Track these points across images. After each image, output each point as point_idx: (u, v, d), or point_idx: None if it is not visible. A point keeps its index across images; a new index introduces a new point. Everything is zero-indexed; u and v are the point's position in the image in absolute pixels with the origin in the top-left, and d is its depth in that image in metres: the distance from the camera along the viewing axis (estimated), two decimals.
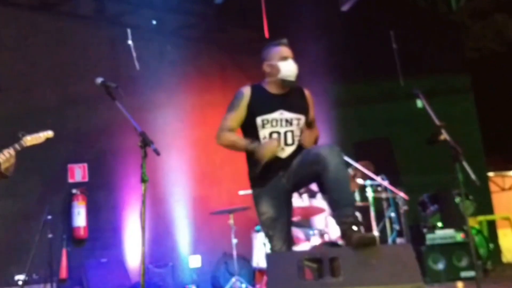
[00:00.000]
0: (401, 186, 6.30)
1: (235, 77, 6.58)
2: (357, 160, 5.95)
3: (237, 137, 2.91)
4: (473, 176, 3.03)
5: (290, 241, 2.81)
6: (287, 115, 2.84)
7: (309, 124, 2.98)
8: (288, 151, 2.80)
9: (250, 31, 6.83)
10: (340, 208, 2.41)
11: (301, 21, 7.19)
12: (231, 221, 4.98)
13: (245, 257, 5.54)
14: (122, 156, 5.93)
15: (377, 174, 5.41)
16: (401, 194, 5.26)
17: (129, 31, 6.26)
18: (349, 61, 7.47)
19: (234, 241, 4.95)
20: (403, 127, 7.50)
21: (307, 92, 3.03)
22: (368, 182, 5.17)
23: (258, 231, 4.98)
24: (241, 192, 4.90)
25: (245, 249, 5.44)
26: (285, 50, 2.94)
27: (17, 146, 3.59)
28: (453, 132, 7.88)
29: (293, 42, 7.80)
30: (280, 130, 2.80)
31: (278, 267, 2.10)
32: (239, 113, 2.88)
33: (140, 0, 6.56)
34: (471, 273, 5.37)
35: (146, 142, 2.70)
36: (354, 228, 2.30)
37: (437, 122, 3.19)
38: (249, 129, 2.88)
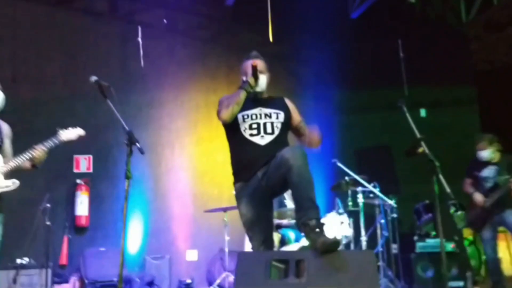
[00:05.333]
0: (398, 193, 6.42)
1: (239, 78, 6.72)
2: (358, 166, 6.08)
3: (230, 96, 2.97)
4: (448, 190, 3.15)
5: (268, 242, 2.91)
6: (266, 110, 3.02)
7: (298, 129, 3.13)
8: (267, 139, 2.92)
9: (258, 34, 6.97)
10: (303, 210, 2.49)
11: (309, 27, 7.32)
12: (225, 219, 5.16)
13: None
14: (126, 150, 6.13)
15: (371, 181, 5.53)
16: (390, 202, 5.38)
17: (139, 29, 6.46)
18: (355, 68, 7.58)
19: (227, 238, 5.13)
20: (405, 136, 7.58)
21: (287, 99, 3.20)
22: (360, 188, 5.30)
23: None
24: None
25: (241, 245, 5.61)
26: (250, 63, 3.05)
27: (55, 140, 3.67)
28: (456, 143, 7.99)
29: (300, 48, 7.93)
30: (260, 121, 2.96)
31: (246, 266, 2.26)
32: None
33: None
34: (459, 283, 5.49)
35: (132, 141, 2.86)
36: (317, 230, 2.39)
37: (417, 134, 3.31)
38: (231, 125, 3.01)
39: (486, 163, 5.12)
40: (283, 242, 4.80)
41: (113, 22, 6.55)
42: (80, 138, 4.00)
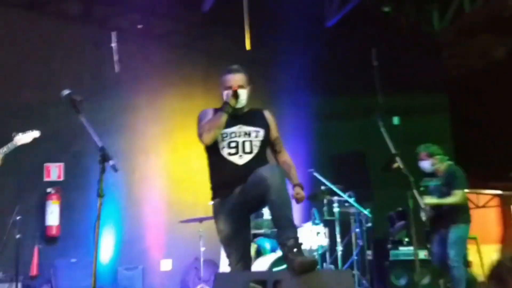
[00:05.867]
0: (372, 200, 6.47)
1: (217, 85, 6.67)
2: (334, 173, 6.08)
3: (211, 117, 2.96)
4: (422, 205, 3.19)
5: (246, 259, 2.90)
6: (246, 128, 2.98)
7: (274, 145, 3.12)
8: (245, 158, 2.90)
9: (235, 40, 6.94)
10: (282, 230, 2.50)
11: (286, 34, 7.34)
12: (200, 229, 5.11)
13: (216, 263, 5.65)
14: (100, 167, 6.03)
15: (347, 189, 5.57)
16: (364, 212, 5.43)
17: (114, 34, 6.35)
18: (331, 76, 7.63)
19: (202, 248, 5.09)
20: (381, 143, 7.67)
21: (267, 113, 3.15)
22: (336, 197, 5.34)
23: None
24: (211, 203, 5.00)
25: (216, 255, 5.56)
26: (230, 79, 3.02)
27: (10, 146, 3.78)
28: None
29: (277, 54, 7.92)
30: (238, 140, 2.94)
31: (224, 287, 2.23)
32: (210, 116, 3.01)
33: (128, 4, 6.67)
34: None
35: (105, 158, 2.76)
36: (295, 250, 2.39)
37: (392, 150, 3.35)
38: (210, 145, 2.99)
39: (434, 175, 4.96)
40: (259, 252, 4.79)
41: (87, 26, 6.43)
42: (35, 140, 4.27)
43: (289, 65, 7.41)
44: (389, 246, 5.74)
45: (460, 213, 4.78)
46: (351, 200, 5.30)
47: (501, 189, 10.89)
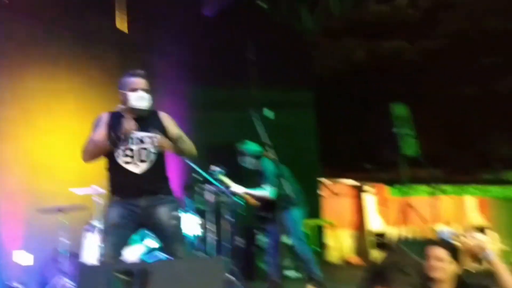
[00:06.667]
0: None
1: (84, 66, 6.30)
2: (209, 164, 6.12)
3: (97, 138, 3.00)
4: (290, 193, 3.41)
5: (122, 248, 2.99)
6: (139, 134, 3.02)
7: (176, 142, 3.21)
8: (142, 167, 2.97)
9: (108, 21, 6.58)
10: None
11: (163, 21, 7.17)
12: (63, 220, 4.82)
13: (78, 255, 5.36)
14: None
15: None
16: (237, 200, 5.59)
17: None
18: (209, 66, 7.65)
19: (64, 239, 4.81)
20: (257, 135, 7.92)
21: (162, 114, 3.26)
22: (209, 186, 5.41)
23: (88, 230, 4.91)
24: (72, 190, 4.80)
25: (78, 246, 5.27)
26: (137, 82, 3.09)
27: None
28: (294, 142, 8.55)
29: (154, 41, 7.70)
30: (133, 148, 2.98)
31: (88, 279, 2.13)
32: (101, 130, 3.04)
33: None
34: (293, 272, 5.99)
35: None
36: None
37: (264, 140, 3.54)
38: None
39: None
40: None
41: None
42: None
43: (166, 53, 7.26)
44: (256, 232, 5.99)
45: (290, 198, 4.78)
46: (225, 189, 5.41)
47: (356, 179, 12.08)
